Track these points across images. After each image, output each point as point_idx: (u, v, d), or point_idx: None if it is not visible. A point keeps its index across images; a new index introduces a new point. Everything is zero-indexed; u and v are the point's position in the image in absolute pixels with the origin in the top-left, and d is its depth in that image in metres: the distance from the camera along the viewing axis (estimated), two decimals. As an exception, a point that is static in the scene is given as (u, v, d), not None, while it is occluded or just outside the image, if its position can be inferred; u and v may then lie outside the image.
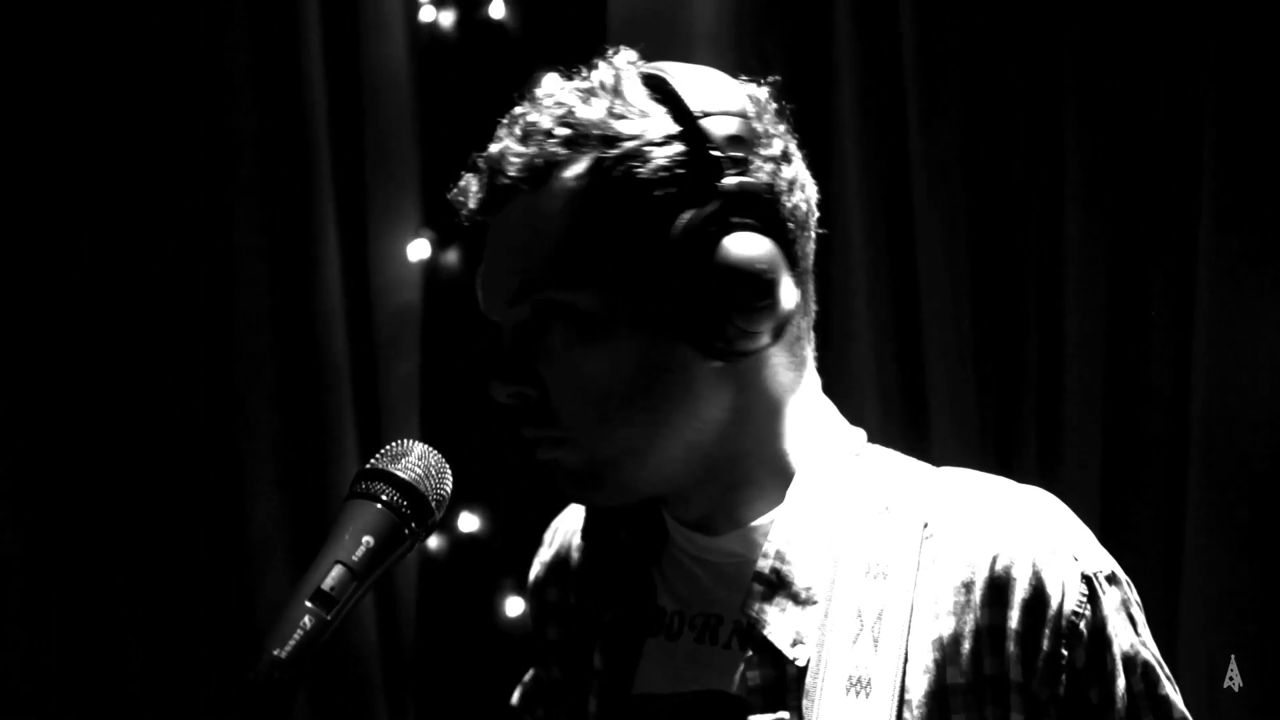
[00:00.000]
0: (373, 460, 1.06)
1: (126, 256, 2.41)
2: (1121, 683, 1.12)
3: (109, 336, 2.42)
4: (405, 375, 2.53)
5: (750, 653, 1.16)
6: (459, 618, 2.50)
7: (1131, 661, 1.14)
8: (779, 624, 1.15)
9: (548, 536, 1.43)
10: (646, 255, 1.12)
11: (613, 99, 1.16)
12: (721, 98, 1.17)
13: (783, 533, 1.19)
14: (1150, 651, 1.16)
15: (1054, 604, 1.11)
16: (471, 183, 1.20)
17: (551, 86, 1.20)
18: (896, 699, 1.10)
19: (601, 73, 1.20)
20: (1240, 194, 1.97)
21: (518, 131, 1.17)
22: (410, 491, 1.04)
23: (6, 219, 2.37)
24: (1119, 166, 2.09)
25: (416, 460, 1.05)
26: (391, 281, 2.51)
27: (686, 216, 1.10)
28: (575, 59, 1.22)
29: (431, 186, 2.54)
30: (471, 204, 1.19)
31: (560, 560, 1.39)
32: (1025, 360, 2.18)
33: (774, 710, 1.13)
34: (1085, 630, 1.10)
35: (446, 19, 2.53)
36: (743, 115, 1.17)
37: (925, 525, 1.16)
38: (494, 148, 1.19)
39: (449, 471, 1.08)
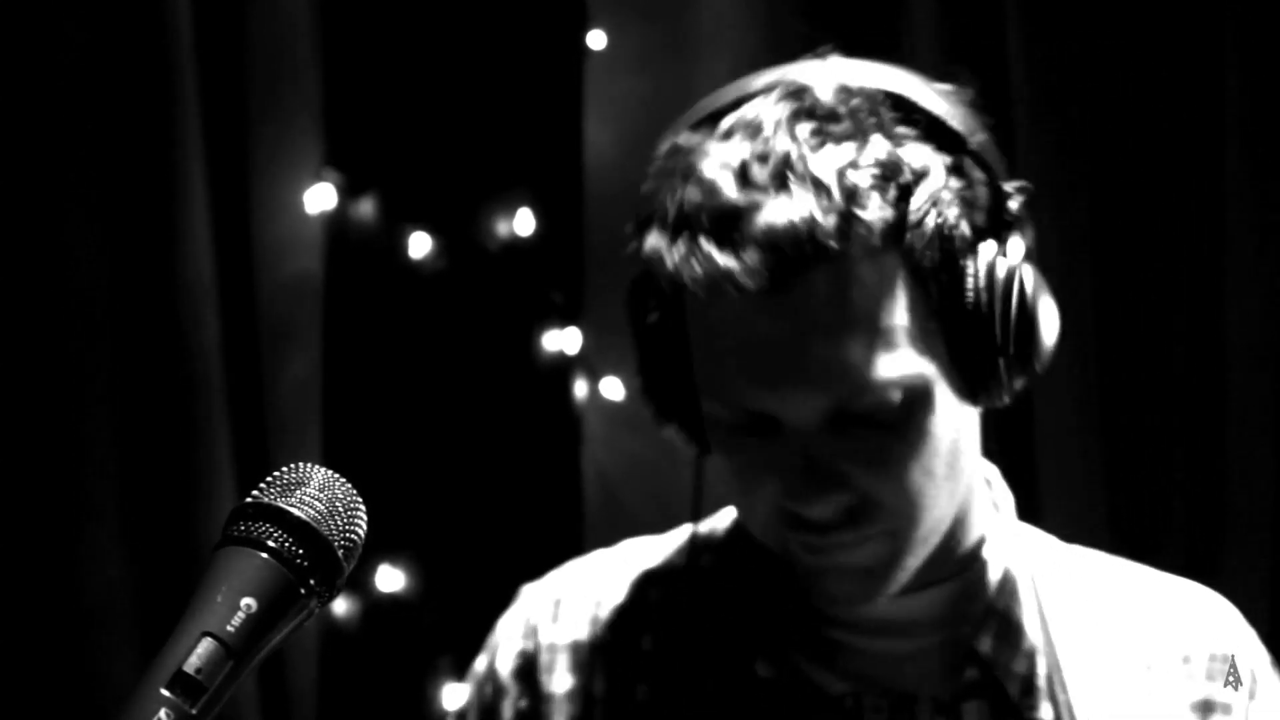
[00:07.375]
0: (255, 493, 1.03)
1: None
2: None
3: None
4: (301, 374, 2.47)
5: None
6: (375, 710, 2.48)
7: None
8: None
9: (544, 610, 1.53)
10: (962, 313, 1.30)
11: (880, 129, 1.28)
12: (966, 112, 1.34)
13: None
14: None
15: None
16: (722, 255, 1.24)
17: (773, 120, 1.27)
18: None
19: (834, 98, 1.29)
20: None
21: (800, 182, 1.24)
22: (308, 535, 1.01)
23: None
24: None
25: (317, 492, 1.04)
26: (282, 243, 2.44)
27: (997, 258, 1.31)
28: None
29: (338, 111, 2.46)
30: (750, 282, 1.23)
31: (593, 643, 1.51)
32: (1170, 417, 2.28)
33: None
34: None
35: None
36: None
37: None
38: (771, 203, 1.24)
39: (362, 508, 1.05)
